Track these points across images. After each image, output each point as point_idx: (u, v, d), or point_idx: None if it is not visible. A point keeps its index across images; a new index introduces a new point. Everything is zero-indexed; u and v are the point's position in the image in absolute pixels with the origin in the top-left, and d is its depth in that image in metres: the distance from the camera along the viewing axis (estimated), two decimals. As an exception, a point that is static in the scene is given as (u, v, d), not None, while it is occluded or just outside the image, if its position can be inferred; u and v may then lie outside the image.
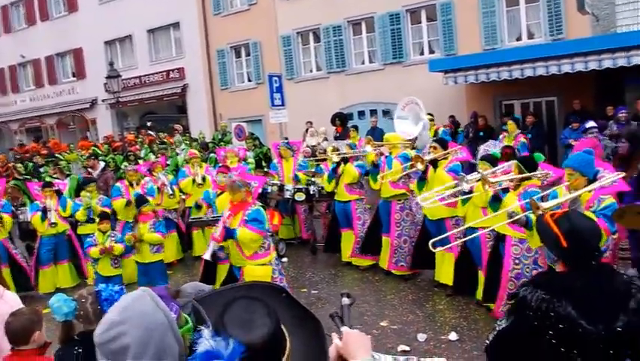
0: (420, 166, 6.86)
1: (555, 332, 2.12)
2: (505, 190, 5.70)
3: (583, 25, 12.57)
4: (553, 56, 11.44)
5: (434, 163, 6.90)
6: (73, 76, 24.79)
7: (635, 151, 6.32)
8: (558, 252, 2.34)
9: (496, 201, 5.62)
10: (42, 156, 13.79)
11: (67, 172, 11.59)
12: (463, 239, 6.06)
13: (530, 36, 14.04)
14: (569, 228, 2.32)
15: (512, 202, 5.35)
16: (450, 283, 6.85)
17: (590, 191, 4.70)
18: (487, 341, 2.38)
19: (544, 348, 2.14)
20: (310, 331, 1.62)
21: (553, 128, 13.25)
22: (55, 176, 10.97)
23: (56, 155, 14.46)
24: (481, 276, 6.23)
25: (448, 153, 7.06)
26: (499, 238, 5.86)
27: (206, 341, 1.43)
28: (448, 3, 14.75)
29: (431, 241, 5.36)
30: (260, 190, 8.30)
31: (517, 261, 5.63)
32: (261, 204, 6.27)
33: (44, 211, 8.31)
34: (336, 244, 8.63)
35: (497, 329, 2.33)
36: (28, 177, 11.97)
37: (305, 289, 7.59)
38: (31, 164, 13.92)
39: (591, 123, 9.36)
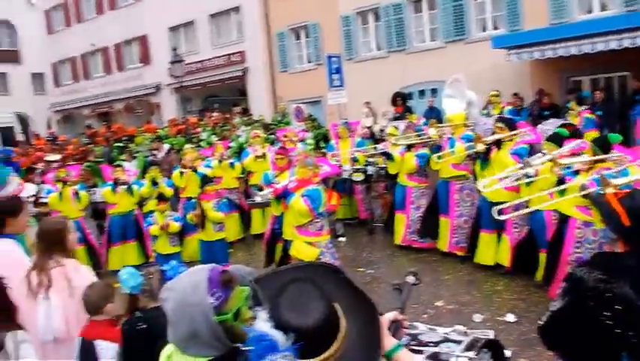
0: (480, 147, 6.69)
1: (611, 312, 2.06)
2: (576, 173, 5.48)
3: (661, -6, 11.78)
4: (627, 29, 10.79)
5: (498, 144, 6.70)
6: (140, 62, 25.66)
7: None
8: (619, 230, 2.26)
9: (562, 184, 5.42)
10: (112, 140, 14.42)
11: (135, 155, 12.13)
12: (522, 212, 5.88)
13: (603, 8, 13.27)
14: (632, 206, 2.25)
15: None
16: (506, 263, 6.72)
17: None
18: (541, 323, 2.34)
19: (599, 329, 2.09)
20: (365, 314, 1.63)
21: (626, 105, 12.54)
22: (123, 158, 11.52)
23: (124, 139, 15.05)
24: (543, 257, 6.05)
25: (515, 135, 6.80)
26: (563, 220, 5.67)
27: (262, 324, 1.46)
28: (513, -24, 14.16)
29: (496, 208, 5.21)
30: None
31: (578, 245, 5.44)
32: (323, 186, 6.33)
33: (116, 184, 8.76)
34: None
35: (551, 310, 2.29)
36: (101, 160, 12.59)
37: (362, 269, 7.65)
38: (98, 148, 14.66)
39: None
